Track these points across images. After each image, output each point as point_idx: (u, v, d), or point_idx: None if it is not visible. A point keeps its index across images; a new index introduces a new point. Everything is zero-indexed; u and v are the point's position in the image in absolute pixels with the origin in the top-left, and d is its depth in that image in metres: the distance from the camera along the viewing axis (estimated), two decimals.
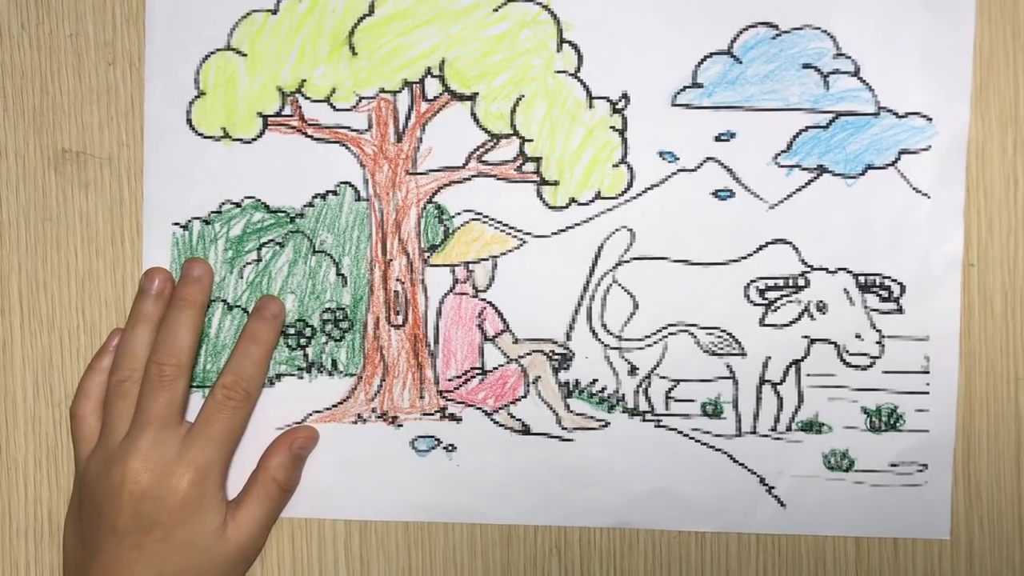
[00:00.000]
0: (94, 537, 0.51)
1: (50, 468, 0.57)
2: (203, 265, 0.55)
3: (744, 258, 0.55)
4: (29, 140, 0.56)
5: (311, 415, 0.56)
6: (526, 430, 0.55)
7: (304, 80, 0.55)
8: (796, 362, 0.55)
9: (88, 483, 0.53)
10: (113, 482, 0.51)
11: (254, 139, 0.56)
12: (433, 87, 0.55)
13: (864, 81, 0.54)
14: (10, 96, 0.56)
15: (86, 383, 0.55)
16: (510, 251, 0.55)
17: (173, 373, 0.52)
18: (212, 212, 0.56)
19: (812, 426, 0.55)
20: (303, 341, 0.56)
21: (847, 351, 0.54)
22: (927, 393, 0.54)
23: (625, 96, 0.55)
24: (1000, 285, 0.54)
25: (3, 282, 0.56)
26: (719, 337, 0.55)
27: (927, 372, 0.54)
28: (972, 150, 0.54)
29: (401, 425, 0.56)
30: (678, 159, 0.55)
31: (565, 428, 0.55)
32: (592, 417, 0.55)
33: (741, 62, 0.54)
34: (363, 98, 0.55)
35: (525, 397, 0.55)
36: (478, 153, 0.55)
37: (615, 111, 0.55)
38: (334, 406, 0.56)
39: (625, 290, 0.55)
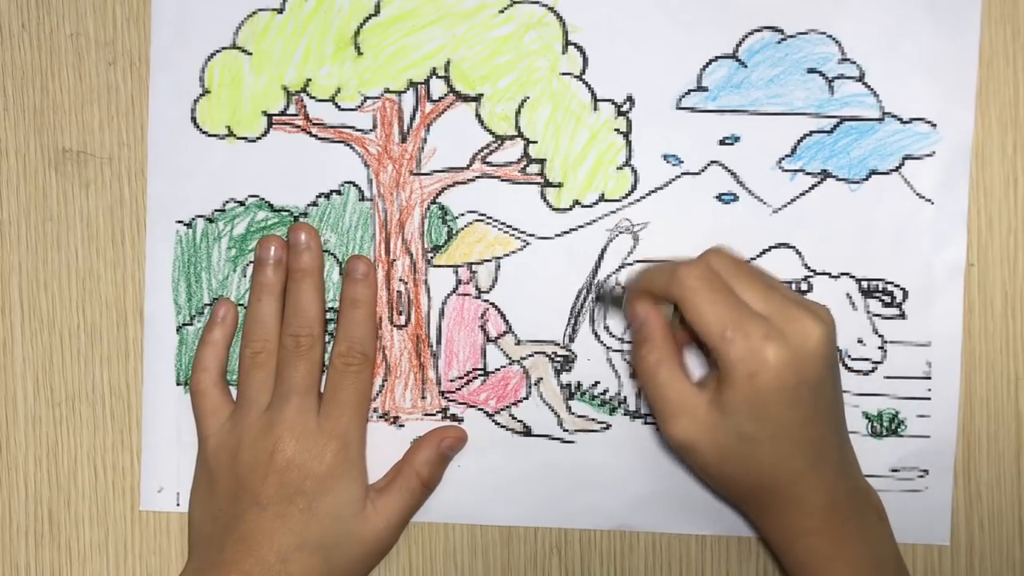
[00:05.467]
0: (233, 509, 0.52)
1: (50, 468, 0.56)
2: (307, 230, 0.55)
3: (747, 262, 0.55)
4: (29, 140, 0.56)
5: None
6: (527, 431, 0.55)
7: (309, 79, 0.55)
8: None
9: (225, 455, 0.53)
10: (260, 452, 0.52)
11: (258, 138, 0.55)
12: (438, 88, 0.55)
13: (869, 86, 0.54)
14: (10, 96, 0.56)
15: (203, 357, 0.55)
16: (513, 252, 0.55)
17: (308, 343, 0.53)
18: (216, 210, 0.56)
19: None
20: None
21: (849, 356, 0.54)
22: (928, 399, 0.54)
23: (630, 99, 0.55)
24: (1000, 285, 0.55)
25: (3, 282, 0.56)
26: None
27: (929, 378, 0.54)
28: (972, 150, 0.54)
29: (403, 425, 0.56)
30: (682, 162, 0.55)
31: (566, 430, 0.55)
32: (594, 419, 0.55)
33: (746, 66, 0.54)
34: (368, 98, 0.55)
35: (527, 398, 0.55)
36: (482, 154, 0.55)
37: (620, 114, 0.55)
38: None
39: None
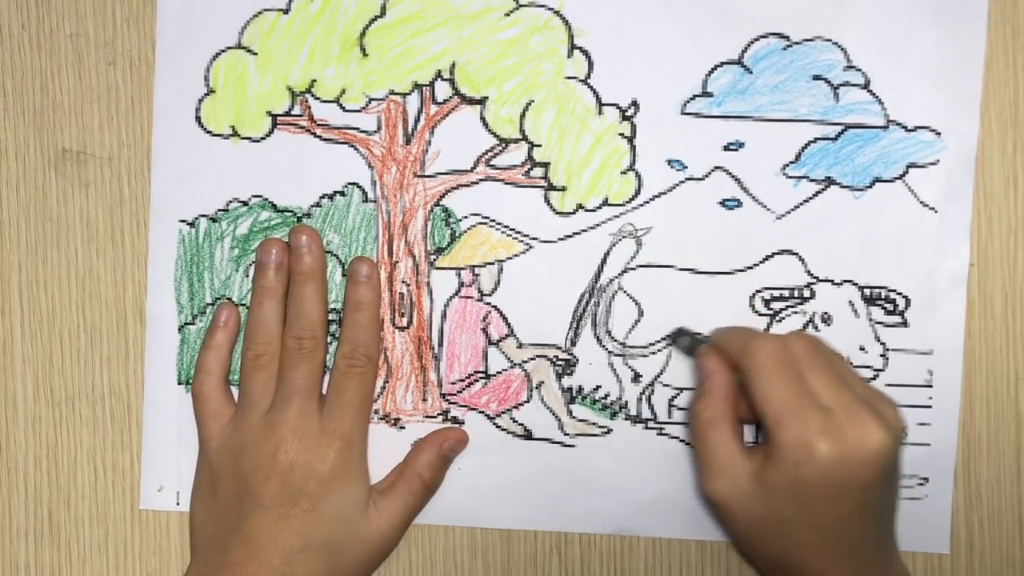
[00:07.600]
0: (236, 510, 0.51)
1: (50, 468, 0.56)
2: (308, 232, 0.54)
3: (750, 268, 0.55)
4: (29, 140, 0.55)
5: None
6: (528, 435, 0.56)
7: (314, 80, 0.54)
8: None
9: (228, 457, 0.53)
10: (263, 454, 0.51)
11: (263, 138, 0.55)
12: (443, 90, 0.55)
13: (874, 94, 0.54)
14: (10, 96, 0.55)
15: (205, 361, 0.55)
16: (516, 256, 0.55)
17: (311, 345, 0.53)
18: (219, 210, 0.55)
19: None
20: None
21: (851, 363, 0.55)
22: (929, 407, 0.55)
23: (635, 103, 0.55)
24: (1000, 285, 0.55)
25: (3, 282, 0.56)
26: None
27: (930, 386, 0.54)
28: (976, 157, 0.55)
29: (403, 427, 0.56)
30: (686, 167, 0.55)
31: (567, 434, 0.55)
32: (595, 424, 0.55)
33: (751, 72, 0.54)
34: (373, 99, 0.55)
35: (528, 402, 0.56)
36: (486, 157, 0.55)
37: (624, 118, 0.55)
38: None
39: (630, 297, 0.55)
